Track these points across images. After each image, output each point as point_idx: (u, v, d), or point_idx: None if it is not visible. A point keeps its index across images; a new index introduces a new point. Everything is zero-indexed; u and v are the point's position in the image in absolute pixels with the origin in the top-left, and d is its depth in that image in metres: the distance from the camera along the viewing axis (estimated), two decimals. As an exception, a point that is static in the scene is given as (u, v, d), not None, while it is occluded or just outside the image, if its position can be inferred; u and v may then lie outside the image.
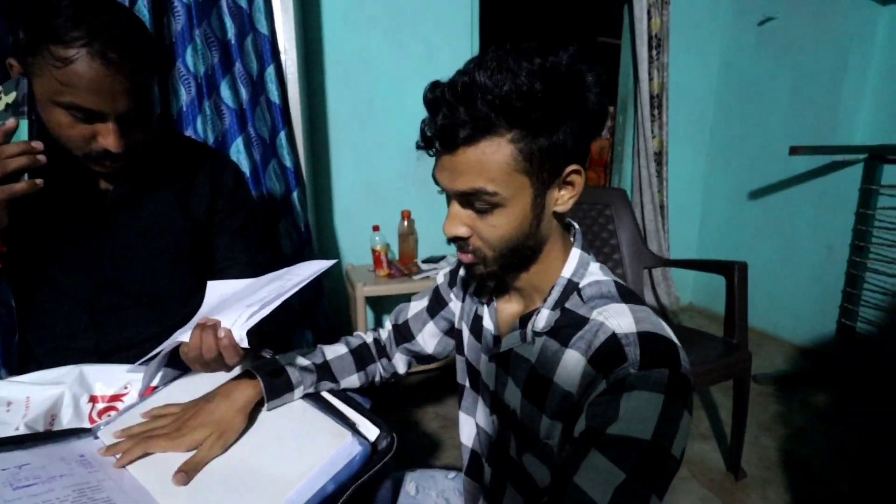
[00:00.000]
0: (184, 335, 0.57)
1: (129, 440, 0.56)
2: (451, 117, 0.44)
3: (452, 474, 0.80)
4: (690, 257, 2.80)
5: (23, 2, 0.61)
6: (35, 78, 0.61)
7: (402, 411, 1.77)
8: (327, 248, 2.08)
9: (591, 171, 4.26)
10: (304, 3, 1.82)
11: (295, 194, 1.61)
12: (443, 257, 2.05)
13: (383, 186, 2.12)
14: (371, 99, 2.03)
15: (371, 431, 0.61)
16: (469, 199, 0.48)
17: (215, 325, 0.55)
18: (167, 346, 0.61)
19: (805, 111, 2.22)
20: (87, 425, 0.63)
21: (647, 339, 0.46)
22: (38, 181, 0.61)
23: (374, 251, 1.85)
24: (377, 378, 0.76)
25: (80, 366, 0.67)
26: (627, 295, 0.52)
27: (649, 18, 2.30)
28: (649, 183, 2.49)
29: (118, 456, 0.55)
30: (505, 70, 0.43)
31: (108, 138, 0.64)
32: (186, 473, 0.51)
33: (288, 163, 1.58)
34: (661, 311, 2.62)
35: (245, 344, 0.55)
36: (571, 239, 0.57)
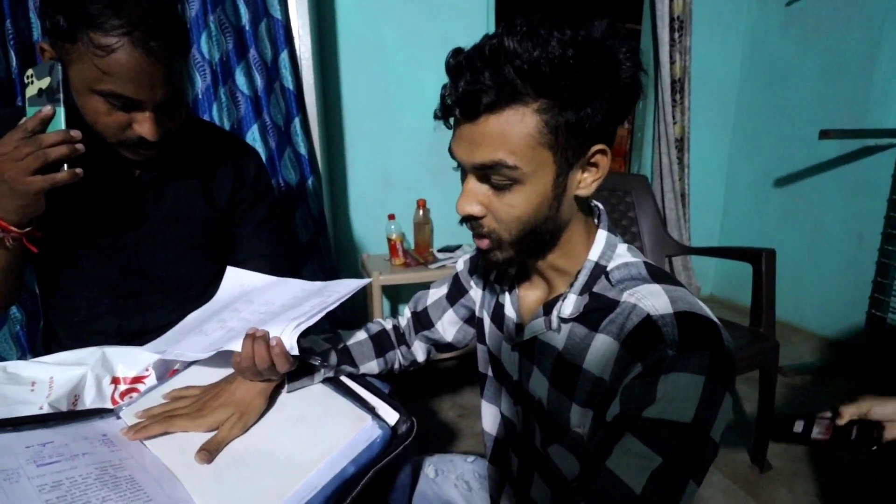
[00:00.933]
0: (233, 343, 0.56)
1: (149, 420, 0.56)
2: (474, 82, 0.42)
3: (471, 458, 0.79)
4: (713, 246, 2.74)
5: None
6: (72, 65, 0.60)
7: (420, 400, 1.77)
8: (343, 237, 2.08)
9: (614, 164, 4.18)
10: (317, -12, 1.81)
11: (310, 182, 1.61)
12: (458, 246, 2.04)
13: (398, 175, 2.11)
14: (386, 86, 2.01)
15: (391, 416, 0.60)
16: (487, 173, 0.45)
17: (265, 336, 0.54)
18: (196, 355, 0.60)
19: (835, 94, 2.13)
20: (110, 406, 0.63)
21: (685, 318, 0.43)
22: (79, 171, 0.61)
23: (389, 240, 1.85)
24: (396, 366, 0.75)
25: (102, 347, 0.67)
26: (659, 275, 0.49)
27: (671, 0, 2.23)
28: (670, 170, 2.43)
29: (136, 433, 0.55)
30: (536, 36, 0.40)
31: (144, 126, 0.64)
32: (209, 452, 0.51)
33: (303, 150, 1.57)
34: (682, 302, 2.57)
35: (295, 351, 0.54)
36: (596, 221, 0.55)
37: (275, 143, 1.53)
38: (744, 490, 1.31)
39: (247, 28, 1.44)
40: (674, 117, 2.37)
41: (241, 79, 1.45)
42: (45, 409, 0.59)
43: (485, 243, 0.50)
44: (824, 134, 1.82)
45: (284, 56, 1.49)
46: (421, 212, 1.92)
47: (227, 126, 1.47)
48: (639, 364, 0.42)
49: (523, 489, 0.60)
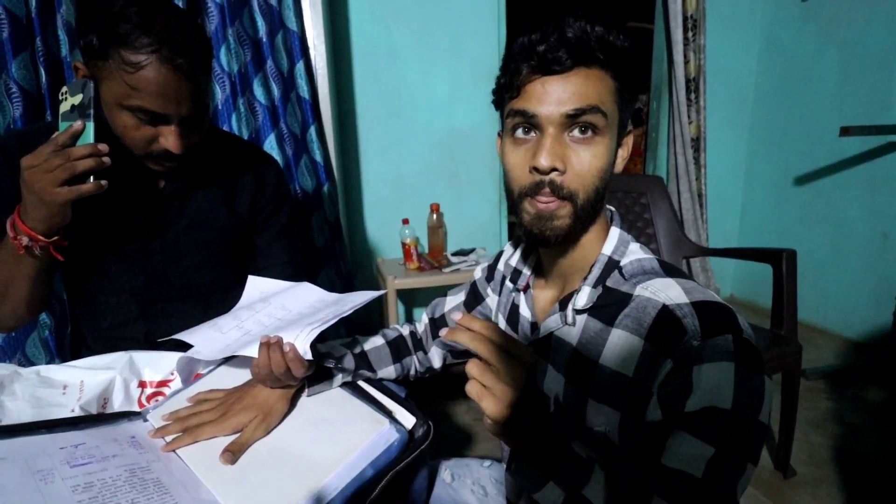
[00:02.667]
0: (248, 349, 0.58)
1: (176, 423, 0.58)
2: (563, 42, 0.46)
3: (487, 463, 0.79)
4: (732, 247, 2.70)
5: (91, 8, 0.63)
6: (103, 81, 0.63)
7: (436, 404, 1.77)
8: (357, 242, 2.10)
9: (628, 164, 4.15)
10: (331, -1, 1.84)
11: (325, 188, 1.63)
12: (472, 250, 2.04)
13: (412, 180, 2.12)
14: (399, 92, 2.03)
15: (408, 419, 0.61)
16: (578, 120, 0.47)
17: (279, 342, 0.55)
18: (211, 355, 0.62)
19: (855, 90, 2.09)
20: (137, 409, 0.65)
21: (702, 307, 0.44)
22: (104, 182, 0.64)
23: (404, 244, 1.86)
24: (412, 371, 0.76)
25: (129, 352, 0.69)
26: (672, 270, 0.50)
27: (684, -1, 2.21)
28: (686, 170, 2.40)
29: (167, 439, 0.57)
30: (599, 23, 0.47)
31: (169, 140, 0.67)
32: (233, 453, 0.53)
33: (318, 157, 1.60)
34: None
35: (309, 356, 0.56)
36: (609, 221, 0.56)
37: (291, 150, 1.56)
38: (766, 496, 1.28)
39: (264, 40, 1.47)
40: (689, 117, 2.34)
41: (258, 89, 1.48)
42: (77, 412, 0.61)
43: (554, 204, 0.49)
44: (845, 131, 1.78)
45: (300, 66, 1.52)
46: (434, 216, 1.94)
47: (245, 135, 1.51)
48: (668, 360, 0.43)
49: None
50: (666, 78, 2.45)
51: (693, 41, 2.26)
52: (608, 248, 0.53)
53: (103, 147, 0.63)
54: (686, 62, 2.28)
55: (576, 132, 0.48)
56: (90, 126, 0.63)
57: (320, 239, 1.65)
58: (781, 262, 1.29)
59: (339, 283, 1.69)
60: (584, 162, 0.48)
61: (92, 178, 0.63)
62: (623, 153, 0.53)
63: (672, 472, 0.40)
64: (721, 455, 0.39)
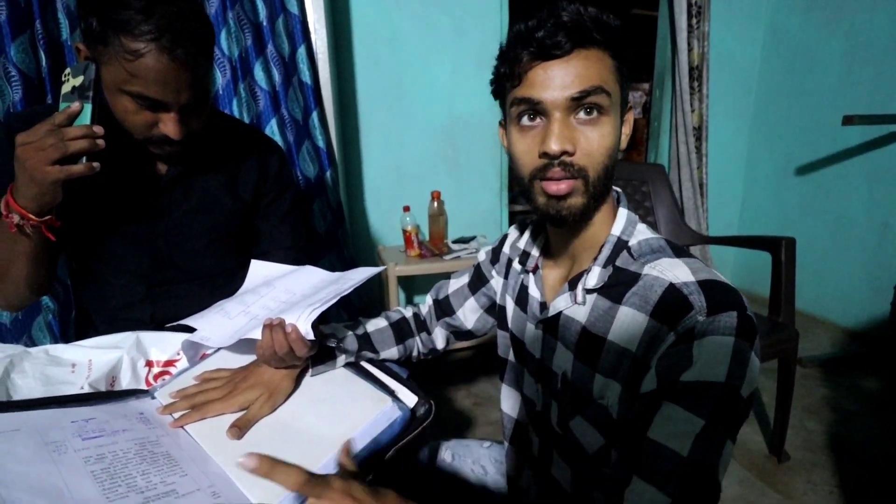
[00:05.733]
0: (254, 332, 0.59)
1: (184, 401, 0.59)
2: (560, 24, 0.47)
3: (487, 443, 0.80)
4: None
5: None
6: (104, 66, 0.63)
7: (436, 389, 1.79)
8: (359, 229, 2.11)
9: (633, 152, 4.13)
10: (332, -18, 1.82)
11: (328, 174, 1.64)
12: (473, 238, 2.05)
13: (413, 167, 2.12)
14: (400, 79, 2.02)
15: (410, 398, 0.62)
16: (583, 101, 0.48)
17: (281, 323, 0.56)
18: (221, 342, 0.63)
19: (859, 79, 2.07)
20: (144, 387, 0.66)
21: (709, 285, 0.45)
22: (96, 164, 0.64)
23: (404, 231, 1.87)
24: (415, 353, 0.77)
25: (136, 332, 0.70)
26: (679, 250, 0.51)
27: (689, -15, 2.19)
28: (688, 159, 2.40)
29: (175, 415, 0.58)
30: (591, 5, 0.48)
31: (168, 126, 0.67)
32: (239, 429, 0.54)
33: (321, 143, 1.60)
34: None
35: (311, 336, 0.57)
36: (616, 202, 0.57)
37: (293, 136, 1.55)
38: (761, 480, 1.30)
39: (264, 24, 1.46)
40: (692, 105, 2.33)
41: (259, 74, 1.47)
42: (86, 390, 0.62)
43: (566, 185, 0.49)
44: (847, 120, 1.78)
45: (302, 51, 1.51)
46: (435, 203, 1.94)
47: (246, 120, 1.50)
48: (671, 333, 0.44)
49: (544, 469, 0.62)
50: (669, 66, 2.44)
51: (697, 28, 2.24)
52: (617, 229, 0.54)
53: (98, 129, 0.63)
54: (690, 50, 2.27)
55: (581, 114, 0.48)
56: (88, 108, 0.63)
57: (322, 225, 1.66)
58: (781, 250, 1.30)
59: (340, 268, 1.69)
60: (592, 142, 0.49)
61: (85, 159, 0.63)
62: (626, 130, 0.54)
63: (658, 447, 0.41)
64: (709, 429, 0.41)
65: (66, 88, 0.64)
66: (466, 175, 2.17)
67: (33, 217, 0.64)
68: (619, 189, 0.58)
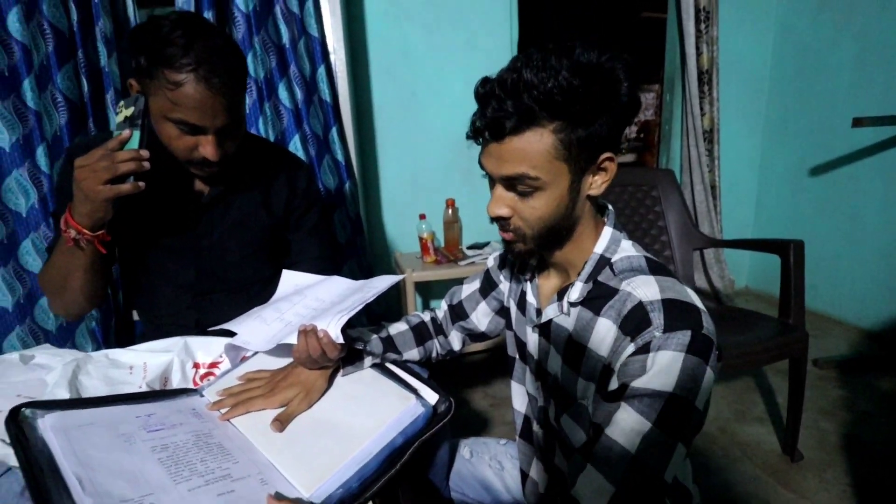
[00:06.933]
0: (289, 337, 0.66)
1: (230, 398, 0.66)
2: (499, 110, 0.50)
3: (503, 441, 0.86)
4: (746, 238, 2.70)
5: (143, 33, 0.71)
6: (151, 97, 0.72)
7: (453, 390, 1.83)
8: (377, 237, 2.18)
9: (647, 154, 4.14)
10: (348, 2, 1.90)
11: (347, 186, 1.71)
12: (487, 243, 2.11)
13: (428, 176, 2.19)
14: (414, 91, 2.09)
15: (431, 396, 0.68)
16: (513, 182, 0.53)
17: (314, 329, 0.63)
18: (260, 346, 0.70)
19: (870, 80, 2.08)
20: (193, 387, 0.74)
21: (670, 305, 0.50)
22: (141, 184, 0.73)
23: (421, 239, 1.93)
24: (434, 354, 0.83)
25: (184, 337, 0.78)
26: (656, 268, 0.56)
27: (696, -9, 2.22)
28: (699, 162, 2.42)
29: (222, 411, 0.65)
30: (549, 68, 0.48)
31: (207, 148, 0.75)
32: (281, 423, 0.61)
33: (340, 157, 1.68)
34: (714, 295, 2.55)
35: (341, 340, 0.63)
36: (605, 219, 0.62)
37: (314, 151, 1.64)
38: (773, 479, 1.33)
39: (287, 46, 1.55)
40: (702, 109, 2.36)
41: (283, 93, 1.56)
42: (144, 389, 0.70)
43: (509, 236, 0.58)
44: (857, 122, 1.79)
45: (321, 70, 1.59)
46: (450, 211, 2.00)
47: (271, 137, 1.59)
48: (631, 344, 0.50)
49: (549, 460, 0.67)
50: (679, 70, 2.47)
51: (706, 33, 2.27)
52: (600, 247, 0.59)
53: (144, 153, 0.71)
54: (699, 54, 2.30)
55: (518, 188, 0.54)
56: (136, 134, 0.72)
57: (343, 234, 1.73)
58: (789, 253, 1.33)
59: (360, 276, 1.77)
60: (524, 212, 0.55)
61: (132, 179, 0.72)
62: (600, 178, 0.55)
63: (611, 442, 0.47)
64: (656, 431, 0.46)
65: (119, 118, 0.73)
66: (480, 183, 2.19)
67: (87, 232, 0.73)
68: (609, 207, 0.62)
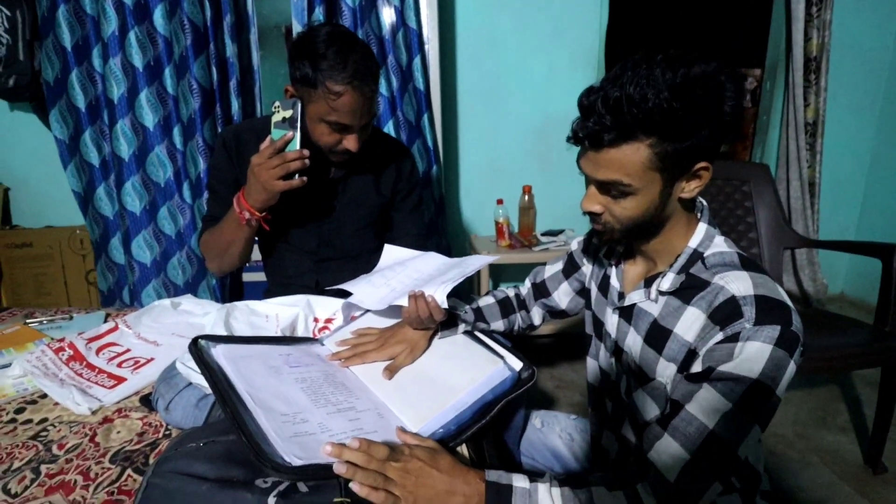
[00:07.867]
0: (399, 300, 0.76)
1: (349, 349, 0.79)
2: (600, 123, 0.53)
3: (573, 416, 0.92)
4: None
5: (302, 48, 0.86)
6: (311, 103, 0.87)
7: (519, 370, 1.93)
8: (454, 219, 2.29)
9: (739, 145, 3.87)
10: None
11: (434, 170, 1.82)
12: (561, 231, 2.13)
13: (506, 162, 2.24)
14: (497, 77, 2.13)
15: (516, 363, 0.76)
16: (607, 186, 0.59)
17: (423, 294, 0.73)
18: (372, 305, 0.82)
19: None
20: (313, 337, 0.88)
21: (762, 300, 0.53)
22: (305, 178, 0.89)
23: (497, 223, 2.00)
24: (516, 327, 0.91)
25: (307, 295, 0.93)
26: (748, 264, 0.59)
27: (810, -30, 2.05)
28: (797, 157, 2.26)
29: (342, 360, 0.78)
30: (652, 84, 0.50)
31: (350, 142, 0.91)
32: (390, 371, 0.73)
33: (430, 142, 1.79)
34: (804, 298, 2.40)
35: (445, 305, 0.74)
36: (698, 214, 0.65)
37: (406, 136, 1.76)
38: (852, 488, 1.29)
39: (387, 38, 1.67)
40: (806, 99, 2.19)
41: (381, 83, 1.68)
42: (279, 334, 0.85)
43: (600, 227, 0.64)
44: None
45: (417, 61, 1.70)
46: (526, 197, 2.05)
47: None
48: (720, 332, 0.54)
49: (618, 430, 0.74)
50: (783, 56, 2.30)
51: (817, 17, 2.09)
52: (694, 242, 0.62)
53: (306, 152, 0.88)
54: (807, 40, 2.13)
55: (611, 191, 0.58)
56: (297, 135, 0.87)
57: (426, 215, 1.85)
58: (893, 257, 1.25)
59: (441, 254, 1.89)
60: (615, 211, 0.60)
61: (297, 175, 0.88)
62: (693, 184, 0.58)
63: (691, 417, 0.52)
64: (736, 412, 0.50)
65: (276, 118, 0.88)
66: (557, 171, 2.25)
67: (258, 214, 0.92)
68: (703, 202, 0.66)
